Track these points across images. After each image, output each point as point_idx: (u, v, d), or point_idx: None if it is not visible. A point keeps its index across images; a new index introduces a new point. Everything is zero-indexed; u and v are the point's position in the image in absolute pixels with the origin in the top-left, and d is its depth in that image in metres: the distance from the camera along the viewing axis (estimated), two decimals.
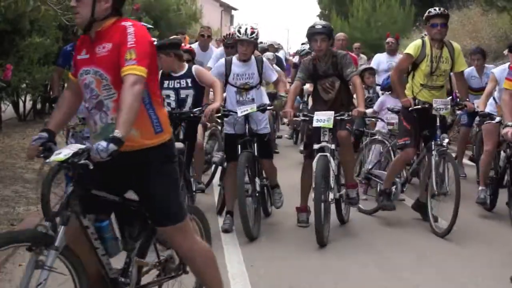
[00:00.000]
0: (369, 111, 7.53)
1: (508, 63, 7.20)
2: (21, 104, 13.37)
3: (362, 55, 13.69)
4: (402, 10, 25.97)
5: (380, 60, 10.54)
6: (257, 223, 6.04)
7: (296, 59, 12.92)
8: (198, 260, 3.48)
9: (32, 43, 9.30)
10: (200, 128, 6.62)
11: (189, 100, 6.05)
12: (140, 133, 3.16)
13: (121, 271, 3.39)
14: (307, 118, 6.10)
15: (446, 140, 6.13)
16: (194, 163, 6.71)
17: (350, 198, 6.30)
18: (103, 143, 2.84)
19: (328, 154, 5.82)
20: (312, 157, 5.87)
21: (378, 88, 8.96)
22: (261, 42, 13.63)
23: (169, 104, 6.05)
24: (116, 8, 3.23)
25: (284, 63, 13.54)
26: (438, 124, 6.19)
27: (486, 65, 8.63)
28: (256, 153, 6.13)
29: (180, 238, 3.37)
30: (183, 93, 6.04)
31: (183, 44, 7.01)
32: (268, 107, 6.32)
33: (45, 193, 5.67)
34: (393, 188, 6.57)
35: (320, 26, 6.12)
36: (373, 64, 10.35)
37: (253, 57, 6.31)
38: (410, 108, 6.24)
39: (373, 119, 7.79)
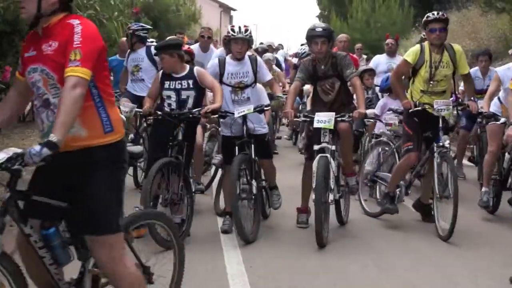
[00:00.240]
0: (368, 111, 7.52)
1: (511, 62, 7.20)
2: None
3: (363, 55, 13.69)
4: (401, 11, 26.01)
5: (379, 61, 10.54)
6: (255, 226, 5.99)
7: (295, 61, 12.92)
8: (123, 286, 3.16)
9: None
10: (199, 129, 6.61)
11: (190, 101, 6.04)
12: (88, 132, 3.04)
13: (75, 282, 3.20)
14: (308, 119, 6.10)
15: (447, 141, 6.07)
16: (193, 164, 6.71)
17: (350, 186, 6.35)
18: (37, 147, 2.73)
19: (328, 155, 5.82)
20: (313, 158, 5.87)
21: (377, 89, 8.96)
22: (261, 43, 13.63)
23: (169, 105, 6.04)
24: (64, 3, 3.09)
25: (283, 64, 13.57)
26: (440, 125, 6.12)
27: (490, 67, 8.61)
28: (253, 155, 6.11)
29: (103, 253, 3.06)
30: (184, 94, 6.04)
31: None
32: (266, 108, 6.32)
33: None
34: (397, 191, 6.49)
35: (320, 29, 6.11)
36: (372, 65, 10.35)
37: (246, 56, 6.31)
38: (410, 110, 6.18)
39: (372, 120, 7.80)
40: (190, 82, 6.03)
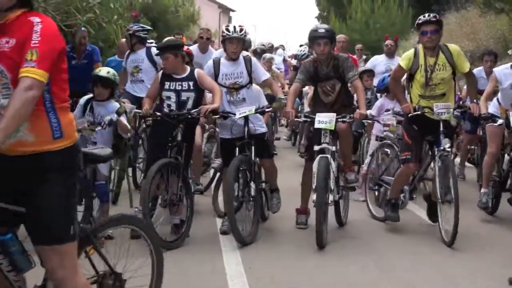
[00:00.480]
0: (367, 112, 7.50)
1: (510, 63, 7.15)
2: None
3: (363, 56, 13.69)
4: (400, 12, 26.04)
5: (378, 62, 10.51)
6: (253, 228, 5.95)
7: (294, 62, 12.91)
8: None
9: None
10: (198, 129, 6.61)
11: (190, 103, 6.03)
12: (36, 137, 2.85)
13: None
14: (309, 119, 6.10)
15: (448, 145, 5.92)
16: (192, 165, 6.70)
17: (349, 181, 6.31)
18: None
19: (328, 156, 5.82)
20: (313, 159, 5.87)
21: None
22: (263, 45, 13.63)
23: (169, 105, 6.04)
24: None
25: (282, 65, 13.58)
26: (441, 129, 5.95)
27: (494, 68, 8.56)
28: (253, 156, 6.09)
29: (55, 262, 2.89)
30: (184, 96, 6.02)
31: None
32: (267, 110, 6.31)
33: None
34: (401, 197, 6.35)
35: (323, 30, 6.11)
36: (370, 65, 10.34)
37: (241, 56, 6.28)
38: (409, 115, 6.04)
39: (370, 121, 7.78)
40: (191, 83, 6.02)
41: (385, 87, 7.71)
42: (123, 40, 8.74)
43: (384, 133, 7.42)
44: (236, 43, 6.16)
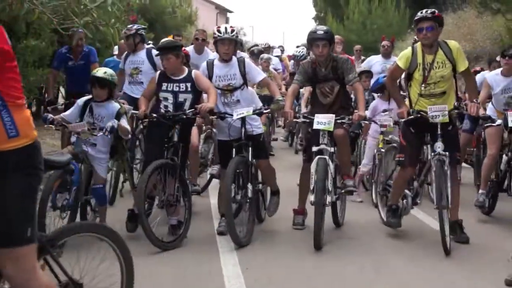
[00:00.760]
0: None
1: (501, 68, 7.20)
2: None
3: (361, 57, 13.69)
4: (397, 12, 26.07)
5: (374, 62, 10.52)
6: (249, 229, 5.94)
7: (292, 63, 12.91)
8: None
9: (28, 46, 9.28)
10: (195, 130, 6.60)
11: (187, 104, 6.02)
12: None
13: None
14: (307, 120, 6.10)
15: (441, 148, 5.69)
16: (189, 166, 6.70)
17: (347, 187, 6.26)
18: None
19: (326, 157, 5.82)
20: (311, 160, 5.87)
21: None
22: (256, 45, 13.62)
23: (166, 106, 6.03)
24: None
25: (280, 65, 13.57)
26: (438, 132, 5.74)
27: (485, 74, 8.54)
28: (250, 157, 6.09)
29: (11, 267, 2.79)
30: (181, 97, 6.02)
31: None
32: (265, 111, 6.30)
33: None
34: (404, 202, 6.19)
35: (322, 32, 6.10)
36: (365, 65, 10.34)
37: (234, 57, 6.27)
38: (403, 120, 5.94)
39: (367, 122, 7.77)
40: (188, 85, 6.01)
41: (379, 87, 7.71)
42: (122, 41, 8.72)
43: (390, 136, 7.33)
44: (228, 44, 6.13)
